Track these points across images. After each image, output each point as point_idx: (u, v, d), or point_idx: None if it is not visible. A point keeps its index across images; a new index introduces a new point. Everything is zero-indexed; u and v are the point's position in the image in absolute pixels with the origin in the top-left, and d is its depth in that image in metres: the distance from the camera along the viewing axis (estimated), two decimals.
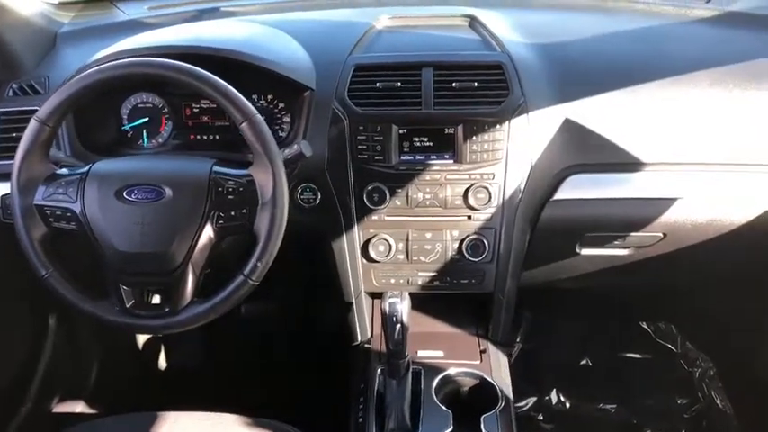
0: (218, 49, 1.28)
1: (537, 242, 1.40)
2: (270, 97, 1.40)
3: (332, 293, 1.38)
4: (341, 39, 1.44)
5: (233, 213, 1.12)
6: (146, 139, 1.44)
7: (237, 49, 1.29)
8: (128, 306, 1.14)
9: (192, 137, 1.45)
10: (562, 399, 1.94)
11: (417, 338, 1.34)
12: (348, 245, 1.34)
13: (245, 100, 1.09)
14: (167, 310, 1.14)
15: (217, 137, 1.44)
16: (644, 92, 1.33)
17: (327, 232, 1.35)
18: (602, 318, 1.99)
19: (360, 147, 1.31)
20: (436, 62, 1.35)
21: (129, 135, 1.44)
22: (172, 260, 1.11)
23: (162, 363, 1.94)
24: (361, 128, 1.30)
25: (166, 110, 1.44)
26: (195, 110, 1.44)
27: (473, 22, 1.49)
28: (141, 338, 1.86)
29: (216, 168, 1.14)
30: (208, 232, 1.12)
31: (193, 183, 1.13)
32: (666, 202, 1.34)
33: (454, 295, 1.38)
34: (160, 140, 1.44)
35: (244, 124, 1.09)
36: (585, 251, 1.44)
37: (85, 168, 1.15)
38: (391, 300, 1.16)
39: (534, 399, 1.93)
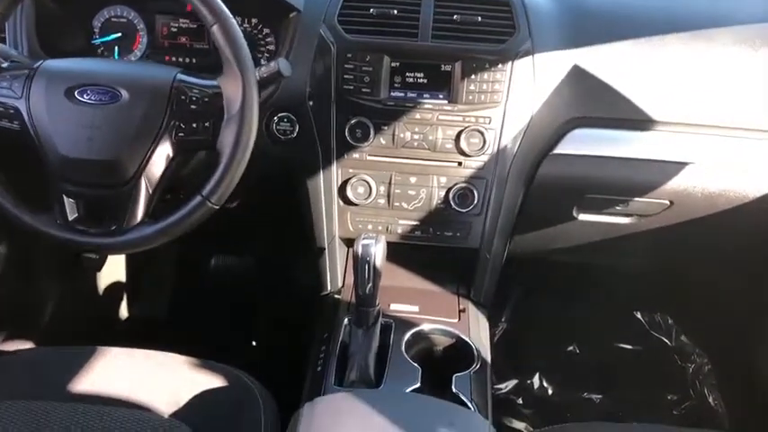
0: None
1: (532, 201, 1.28)
2: (254, 21, 1.29)
3: (303, 239, 1.27)
4: None
5: (195, 126, 1.01)
6: (117, 56, 1.33)
7: None
8: (70, 220, 1.03)
9: (167, 58, 1.33)
10: (545, 384, 1.82)
11: (391, 292, 1.22)
12: (324, 184, 1.23)
13: (219, 1, 0.97)
14: (114, 228, 1.02)
15: (194, 60, 1.33)
16: (663, 44, 1.22)
17: (303, 169, 1.23)
18: (595, 300, 1.86)
19: (346, 77, 1.19)
20: None
21: (99, 50, 1.33)
22: (122, 171, 1.00)
23: (123, 311, 1.82)
24: (350, 56, 1.19)
25: (141, 26, 1.33)
26: (173, 29, 1.33)
27: None
28: (103, 282, 1.75)
29: (180, 76, 1.03)
30: (165, 145, 1.01)
31: (154, 87, 1.02)
32: (676, 166, 1.23)
33: (436, 250, 1.26)
34: (132, 59, 1.33)
35: (215, 26, 0.97)
36: (583, 216, 1.32)
37: (36, 64, 1.03)
38: (365, 241, 1.04)
39: (515, 381, 1.81)
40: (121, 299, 1.80)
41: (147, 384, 1.06)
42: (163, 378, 1.08)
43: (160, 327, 1.79)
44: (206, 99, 1.01)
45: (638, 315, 1.94)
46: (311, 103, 1.21)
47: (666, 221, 1.31)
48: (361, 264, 1.05)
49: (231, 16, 0.98)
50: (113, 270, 1.70)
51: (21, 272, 1.55)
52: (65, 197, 1.02)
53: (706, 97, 1.22)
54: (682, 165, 1.22)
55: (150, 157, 1.00)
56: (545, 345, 1.90)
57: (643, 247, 1.45)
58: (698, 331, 1.84)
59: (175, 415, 1.02)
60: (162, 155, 1.01)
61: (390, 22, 1.20)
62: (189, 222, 1.01)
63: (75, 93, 1.00)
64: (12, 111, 1.01)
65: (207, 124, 1.01)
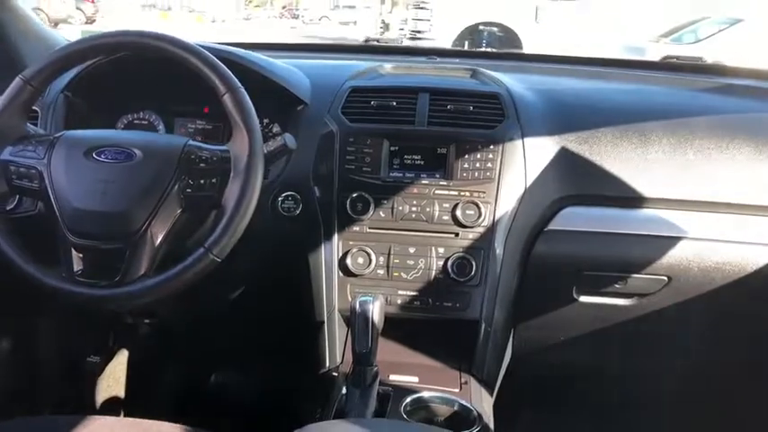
0: (218, 50, 1.30)
1: (531, 282, 1.29)
2: (266, 121, 1.38)
3: (301, 312, 1.27)
4: (341, 69, 1.46)
5: (202, 182, 1.07)
6: None
7: (237, 53, 1.31)
8: (75, 273, 1.05)
9: None
10: None
11: (391, 367, 1.20)
12: (325, 256, 1.25)
13: (229, 72, 1.08)
14: (116, 279, 1.04)
15: None
16: (646, 130, 1.30)
17: (304, 243, 1.27)
18: (607, 419, 1.77)
19: (348, 158, 1.27)
20: (433, 88, 1.35)
21: None
22: (130, 223, 1.04)
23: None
24: (352, 140, 1.28)
25: (161, 127, 1.44)
26: (190, 129, 1.43)
27: (475, 74, 1.51)
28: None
29: (192, 142, 1.10)
30: (173, 199, 1.06)
31: (166, 149, 1.09)
32: (670, 241, 1.25)
33: (435, 325, 1.26)
34: None
35: (226, 95, 1.07)
36: (584, 298, 1.33)
37: (59, 133, 1.12)
38: (362, 298, 1.06)
39: None
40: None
41: None
42: None
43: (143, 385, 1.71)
44: (214, 159, 1.07)
45: None
46: (315, 181, 1.27)
47: (666, 301, 1.30)
48: (359, 320, 1.05)
49: (241, 86, 1.07)
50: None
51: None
52: (73, 250, 1.06)
53: (692, 176, 1.27)
54: (675, 239, 1.25)
55: (158, 210, 1.04)
56: None
57: (648, 338, 1.42)
58: None
59: None
60: (169, 208, 1.05)
61: (390, 112, 1.31)
62: (191, 274, 1.03)
63: (94, 153, 1.07)
64: (33, 171, 1.08)
65: (214, 180, 1.06)
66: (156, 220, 1.05)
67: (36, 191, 1.08)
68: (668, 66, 1.70)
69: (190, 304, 1.48)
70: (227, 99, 1.06)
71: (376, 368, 1.08)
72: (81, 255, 1.06)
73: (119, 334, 1.66)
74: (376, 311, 1.05)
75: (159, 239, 1.06)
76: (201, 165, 1.07)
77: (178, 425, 1.07)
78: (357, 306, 1.06)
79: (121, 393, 1.62)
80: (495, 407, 1.22)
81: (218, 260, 1.03)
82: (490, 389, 1.23)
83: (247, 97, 1.07)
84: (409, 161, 1.28)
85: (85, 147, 1.08)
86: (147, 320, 1.57)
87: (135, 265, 1.05)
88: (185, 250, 1.05)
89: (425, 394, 1.13)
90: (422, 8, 10.40)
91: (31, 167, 1.08)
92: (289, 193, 1.28)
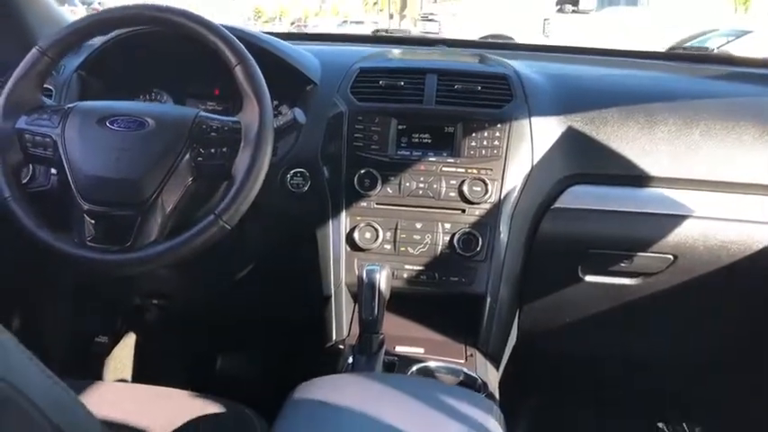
0: (231, 27, 1.31)
1: (537, 260, 1.30)
2: (275, 103, 1.40)
3: (309, 286, 1.28)
4: (351, 53, 1.48)
5: (213, 151, 1.08)
6: None
7: (249, 32, 1.33)
8: (87, 239, 1.07)
9: None
10: None
11: (396, 340, 1.21)
12: (333, 231, 1.27)
13: (241, 45, 1.10)
14: (127, 245, 1.06)
15: None
16: (653, 111, 1.31)
17: (312, 219, 1.28)
18: (613, 409, 1.77)
19: (356, 135, 1.29)
20: (441, 69, 1.37)
21: None
22: (142, 190, 1.06)
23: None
24: (360, 118, 1.30)
25: None
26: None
27: (483, 59, 1.53)
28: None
29: (202, 113, 1.12)
30: (184, 167, 1.08)
31: (178, 118, 1.11)
32: (676, 219, 1.26)
33: (441, 300, 1.27)
34: None
35: (237, 67, 1.08)
36: (589, 278, 1.33)
37: (73, 104, 1.14)
38: (369, 267, 1.07)
39: None
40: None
41: (144, 413, 1.03)
42: (161, 408, 1.05)
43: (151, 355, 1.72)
44: (225, 129, 1.09)
45: (662, 425, 1.83)
46: (323, 158, 1.29)
47: (672, 280, 1.31)
48: (365, 288, 1.06)
49: (251, 58, 1.09)
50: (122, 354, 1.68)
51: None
52: (85, 217, 1.07)
53: (698, 156, 1.28)
54: (681, 218, 1.26)
55: (169, 178, 1.06)
56: None
57: (653, 319, 1.42)
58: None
59: None
60: (180, 177, 1.07)
61: (398, 91, 1.32)
62: (201, 241, 1.04)
63: (107, 122, 1.09)
64: (48, 139, 1.10)
65: (224, 150, 1.08)
66: (167, 188, 1.06)
67: (50, 159, 1.10)
68: (675, 56, 1.71)
69: (199, 282, 1.49)
70: (238, 70, 1.08)
71: (382, 336, 1.09)
72: (93, 221, 1.08)
73: (127, 315, 1.67)
74: (383, 280, 1.06)
75: (170, 207, 1.08)
76: (212, 134, 1.09)
77: (187, 391, 1.08)
78: (364, 275, 1.07)
79: (129, 374, 1.63)
80: (501, 386, 1.23)
81: (228, 228, 1.05)
82: (496, 363, 1.23)
83: (258, 69, 1.09)
84: (417, 140, 1.29)
85: (98, 116, 1.10)
86: (155, 301, 1.58)
87: (146, 232, 1.06)
88: (196, 219, 1.07)
89: (431, 364, 1.13)
90: (430, 20, 10.51)
91: (46, 136, 1.10)
92: (297, 169, 1.29)
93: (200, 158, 1.08)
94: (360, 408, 0.79)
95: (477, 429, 0.77)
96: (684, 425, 1.81)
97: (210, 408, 1.04)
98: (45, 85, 1.24)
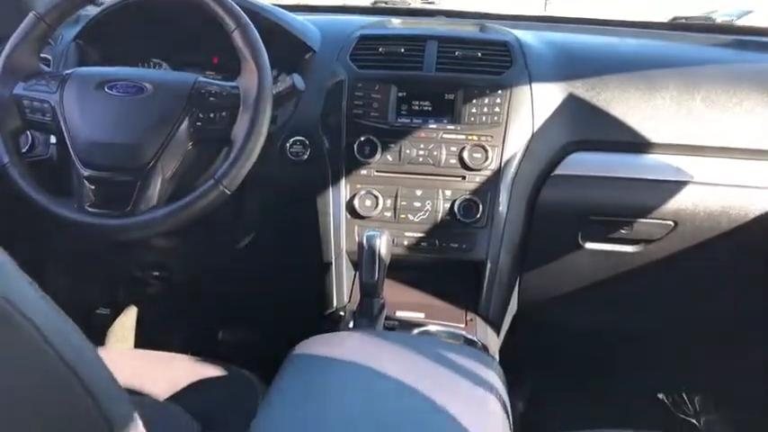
0: None
1: (537, 228, 1.30)
2: (274, 72, 1.39)
3: (309, 255, 1.28)
4: (350, 22, 1.47)
5: (212, 116, 1.08)
6: None
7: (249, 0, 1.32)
8: (86, 205, 1.07)
9: None
10: None
11: (396, 305, 1.21)
12: (333, 199, 1.27)
13: (238, 8, 1.09)
14: (127, 210, 1.06)
15: None
16: (654, 78, 1.30)
17: (312, 187, 1.28)
18: (611, 382, 1.77)
19: (356, 103, 1.28)
20: (441, 36, 1.36)
21: None
22: (141, 155, 1.06)
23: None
24: (360, 85, 1.29)
25: None
26: None
27: (483, 27, 1.52)
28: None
29: (201, 78, 1.12)
30: (183, 132, 1.07)
31: (176, 83, 1.11)
32: (676, 185, 1.26)
33: (442, 267, 1.27)
34: None
35: (236, 31, 1.08)
36: (590, 245, 1.33)
37: (71, 70, 1.14)
38: (370, 233, 1.07)
39: None
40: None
41: (145, 376, 1.03)
42: (162, 372, 1.05)
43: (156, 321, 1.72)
44: (224, 93, 1.09)
45: (661, 396, 1.84)
46: (323, 126, 1.28)
47: (672, 247, 1.31)
48: (366, 253, 1.06)
49: (250, 22, 1.09)
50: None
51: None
52: (85, 182, 1.07)
53: (699, 122, 1.27)
54: (681, 184, 1.25)
55: (169, 143, 1.06)
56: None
57: (653, 288, 1.42)
58: (726, 409, 1.73)
59: (172, 400, 0.98)
60: (180, 142, 1.07)
61: (398, 58, 1.32)
62: (201, 206, 1.04)
63: (105, 87, 1.09)
64: (46, 104, 1.09)
65: (224, 114, 1.08)
66: (166, 153, 1.06)
67: (49, 125, 1.10)
68: (678, 25, 1.70)
69: (199, 253, 1.49)
70: (236, 35, 1.08)
71: (383, 300, 1.09)
72: (92, 187, 1.07)
73: (127, 287, 1.67)
74: (383, 245, 1.06)
75: (170, 173, 1.07)
76: (211, 99, 1.08)
77: (188, 355, 1.08)
78: (364, 240, 1.07)
79: (130, 345, 1.64)
80: (500, 354, 1.23)
81: (228, 192, 1.05)
82: (496, 329, 1.23)
83: (256, 33, 1.08)
84: (417, 107, 1.28)
85: (97, 81, 1.10)
86: (155, 273, 1.58)
87: (145, 197, 1.06)
88: (196, 185, 1.07)
89: (431, 327, 1.14)
90: (429, 3, 10.42)
91: (44, 101, 1.09)
92: (297, 138, 1.29)
93: (198, 123, 1.08)
94: (360, 361, 0.79)
95: (478, 382, 0.78)
96: (684, 395, 1.82)
97: (212, 371, 1.04)
98: (43, 55, 1.24)
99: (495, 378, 0.81)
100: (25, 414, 0.39)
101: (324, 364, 0.81)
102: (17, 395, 0.38)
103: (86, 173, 1.07)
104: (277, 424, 0.70)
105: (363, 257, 1.07)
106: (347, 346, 0.85)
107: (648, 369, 1.73)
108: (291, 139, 1.29)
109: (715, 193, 1.26)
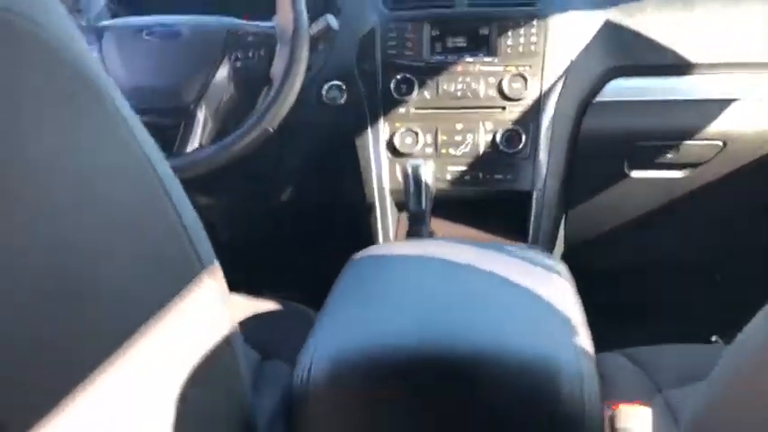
0: None
1: (582, 160, 1.28)
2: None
3: (352, 197, 1.28)
4: None
5: (250, 54, 1.09)
6: None
7: None
8: None
9: None
10: None
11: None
12: (373, 139, 1.26)
13: None
14: (173, 151, 1.07)
15: None
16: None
17: (351, 130, 1.28)
18: (660, 317, 1.74)
19: (390, 44, 1.27)
20: None
21: None
22: (183, 97, 1.07)
23: None
24: (392, 27, 1.28)
25: None
26: None
27: None
28: None
29: (236, 20, 1.12)
30: (223, 73, 1.08)
31: (213, 26, 1.12)
32: (723, 104, 1.22)
33: (487, 201, 1.25)
34: None
35: None
36: (636, 173, 1.30)
37: (108, 21, 1.15)
38: (414, 161, 1.07)
39: None
40: None
41: None
42: None
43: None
44: (261, 33, 1.09)
45: (715, 338, 1.80)
46: (358, 68, 1.28)
47: (722, 170, 1.27)
48: (411, 181, 1.06)
49: None
50: None
51: None
52: None
53: (740, 36, 1.24)
54: (728, 102, 1.22)
55: (209, 84, 1.07)
56: None
57: (702, 218, 1.39)
58: None
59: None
60: (220, 83, 1.08)
61: None
62: (244, 144, 1.05)
63: (143, 34, 1.10)
64: None
65: (262, 52, 1.08)
66: (207, 95, 1.07)
67: None
68: None
69: (239, 207, 1.50)
70: None
71: (431, 231, 1.08)
72: None
73: None
74: (428, 172, 1.06)
75: (212, 113, 1.08)
76: (249, 38, 1.09)
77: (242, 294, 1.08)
78: (409, 169, 1.07)
79: None
80: None
81: (270, 130, 1.05)
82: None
83: None
84: (451, 44, 1.27)
85: (134, 28, 1.11)
86: None
87: (189, 139, 1.07)
88: (238, 126, 1.07)
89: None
90: None
91: None
92: (333, 82, 1.28)
93: (237, 63, 1.08)
94: (425, 264, 0.78)
95: (549, 269, 0.77)
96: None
97: (268, 306, 1.04)
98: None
99: (563, 269, 0.80)
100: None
101: (386, 263, 0.80)
102: None
103: None
104: (342, 310, 0.69)
105: (410, 187, 1.06)
106: (409, 251, 0.84)
107: (700, 308, 1.70)
108: (327, 85, 1.29)
109: (764, 110, 1.22)
